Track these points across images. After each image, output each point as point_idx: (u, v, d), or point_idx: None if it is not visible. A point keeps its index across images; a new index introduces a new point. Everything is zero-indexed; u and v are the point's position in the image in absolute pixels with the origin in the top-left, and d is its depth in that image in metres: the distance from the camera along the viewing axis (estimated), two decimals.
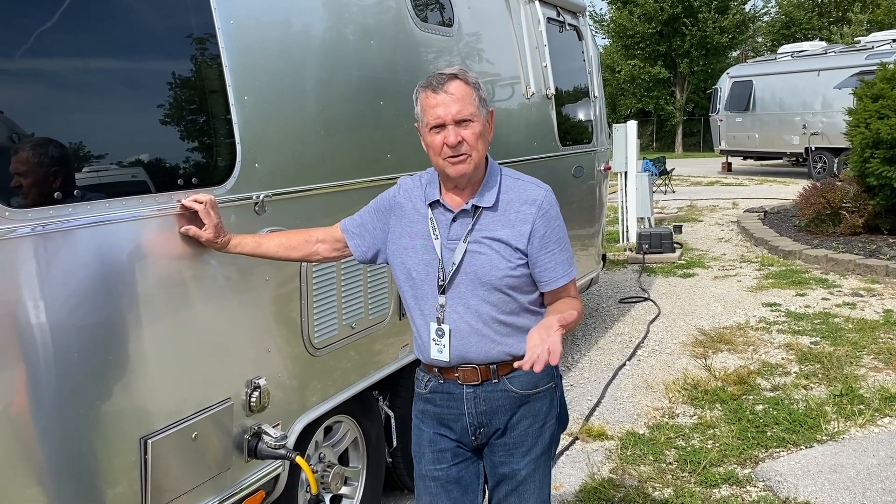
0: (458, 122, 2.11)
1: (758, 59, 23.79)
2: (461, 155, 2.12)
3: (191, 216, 2.40)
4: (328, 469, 3.21)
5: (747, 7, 33.68)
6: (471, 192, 2.21)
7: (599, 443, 4.46)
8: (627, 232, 10.55)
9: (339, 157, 3.15)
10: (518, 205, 2.20)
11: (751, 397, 5.00)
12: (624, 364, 5.85)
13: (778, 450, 4.26)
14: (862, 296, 7.49)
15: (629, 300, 7.75)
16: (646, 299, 7.74)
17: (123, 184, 2.26)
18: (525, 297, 2.22)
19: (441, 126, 2.11)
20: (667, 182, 17.32)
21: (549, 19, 5.43)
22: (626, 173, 10.32)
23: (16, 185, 1.97)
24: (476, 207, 2.20)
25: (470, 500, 2.34)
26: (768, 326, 6.60)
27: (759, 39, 38.27)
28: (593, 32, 6.72)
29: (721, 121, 21.57)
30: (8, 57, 1.98)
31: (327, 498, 3.26)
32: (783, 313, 6.99)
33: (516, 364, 1.96)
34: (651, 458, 4.22)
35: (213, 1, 2.55)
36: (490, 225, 2.19)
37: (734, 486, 3.89)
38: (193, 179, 2.45)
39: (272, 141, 2.78)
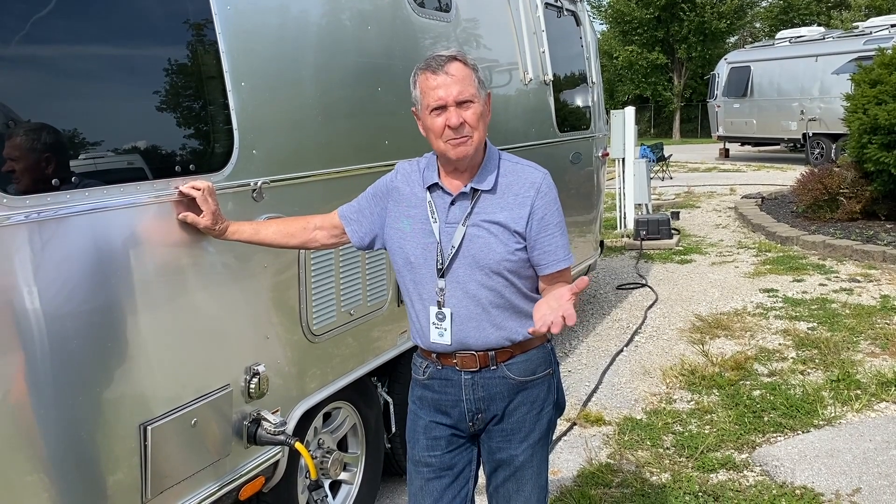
0: (460, 104, 2.10)
1: (756, 44, 23.73)
2: (463, 136, 2.12)
3: (188, 203, 2.39)
4: (327, 455, 3.22)
5: None
6: (469, 175, 2.21)
7: (597, 428, 4.48)
8: (625, 218, 10.54)
9: (337, 144, 3.14)
10: (517, 188, 2.20)
11: (748, 383, 5.02)
12: (621, 350, 5.87)
13: (775, 435, 4.28)
14: (859, 281, 7.50)
15: (627, 286, 7.76)
16: (643, 285, 7.75)
17: (121, 170, 2.25)
18: (523, 281, 2.22)
19: (442, 108, 2.11)
20: (664, 168, 17.32)
21: (547, 4, 5.40)
22: (623, 160, 10.30)
23: (13, 171, 1.96)
24: (475, 190, 2.19)
25: (461, 485, 2.35)
26: (765, 312, 6.61)
27: (757, 25, 38.16)
28: (591, 18, 6.69)
29: (719, 107, 21.52)
30: (5, 43, 1.97)
31: (326, 484, 3.28)
32: (780, 299, 7.00)
33: (530, 330, 1.96)
34: (649, 443, 4.24)
35: None
36: (489, 208, 2.19)
37: (731, 471, 3.91)
38: (191, 166, 2.44)
39: (270, 127, 2.77)
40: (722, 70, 21.67)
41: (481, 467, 2.42)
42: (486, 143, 2.23)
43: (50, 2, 2.06)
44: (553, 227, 2.20)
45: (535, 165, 2.27)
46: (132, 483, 2.26)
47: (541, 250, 2.19)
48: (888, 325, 6.10)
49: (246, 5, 2.70)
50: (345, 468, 3.36)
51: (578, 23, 6.14)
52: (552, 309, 1.94)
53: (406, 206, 2.27)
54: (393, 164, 2.43)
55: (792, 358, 5.46)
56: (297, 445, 2.68)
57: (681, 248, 9.46)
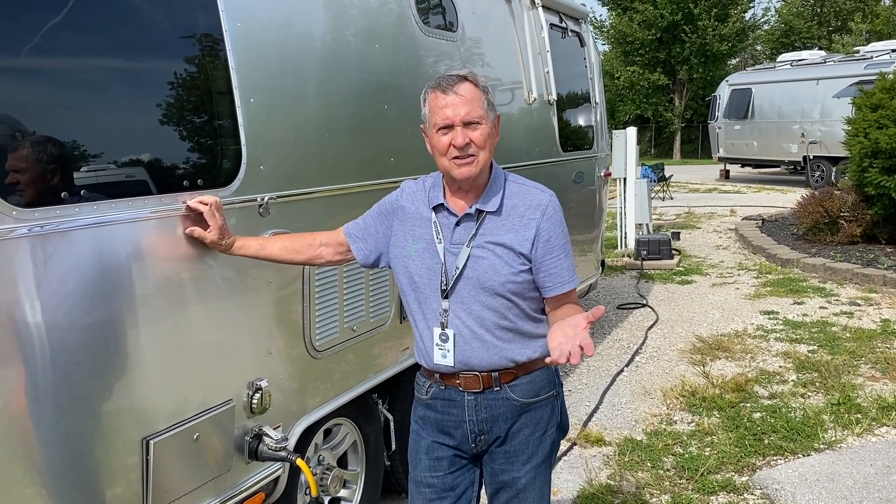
0: (467, 124, 2.11)
1: (757, 67, 23.85)
2: (468, 157, 2.12)
3: (196, 217, 2.40)
4: (327, 472, 3.21)
5: (747, 15, 33.76)
6: (475, 196, 2.21)
7: (597, 449, 4.47)
8: (626, 238, 10.56)
9: (343, 160, 3.16)
10: (522, 209, 2.20)
11: (748, 405, 5.01)
12: (622, 370, 5.86)
13: (775, 458, 4.27)
14: (859, 305, 7.50)
15: (627, 306, 7.76)
16: (644, 305, 7.75)
17: (129, 184, 2.27)
18: (527, 303, 2.22)
19: (449, 127, 2.12)
20: (665, 188, 17.35)
21: (552, 25, 5.44)
22: (625, 179, 10.33)
23: (22, 184, 1.97)
24: (480, 212, 2.20)
25: None
26: (766, 334, 6.61)
27: (759, 48, 38.37)
28: (594, 38, 6.74)
29: (720, 128, 21.60)
30: (19, 56, 1.99)
31: (326, 500, 3.26)
32: (781, 321, 7.00)
33: (547, 360, 1.92)
34: (649, 464, 4.22)
35: (220, 3, 2.55)
36: (494, 229, 2.19)
37: (732, 494, 3.89)
38: (199, 181, 2.46)
39: (277, 143, 2.78)
40: (723, 92, 21.77)
41: (483, 488, 2.41)
42: (492, 164, 2.23)
43: (66, 18, 2.08)
44: (558, 250, 2.20)
45: (541, 187, 2.27)
46: (133, 497, 2.26)
47: (546, 272, 2.19)
48: (889, 349, 6.09)
49: (256, 22, 2.73)
50: (344, 485, 3.35)
51: (583, 44, 6.18)
52: (568, 337, 1.90)
53: (411, 225, 2.28)
54: (398, 182, 2.44)
55: (792, 381, 5.45)
56: (299, 461, 2.67)
57: (681, 269, 9.47)
